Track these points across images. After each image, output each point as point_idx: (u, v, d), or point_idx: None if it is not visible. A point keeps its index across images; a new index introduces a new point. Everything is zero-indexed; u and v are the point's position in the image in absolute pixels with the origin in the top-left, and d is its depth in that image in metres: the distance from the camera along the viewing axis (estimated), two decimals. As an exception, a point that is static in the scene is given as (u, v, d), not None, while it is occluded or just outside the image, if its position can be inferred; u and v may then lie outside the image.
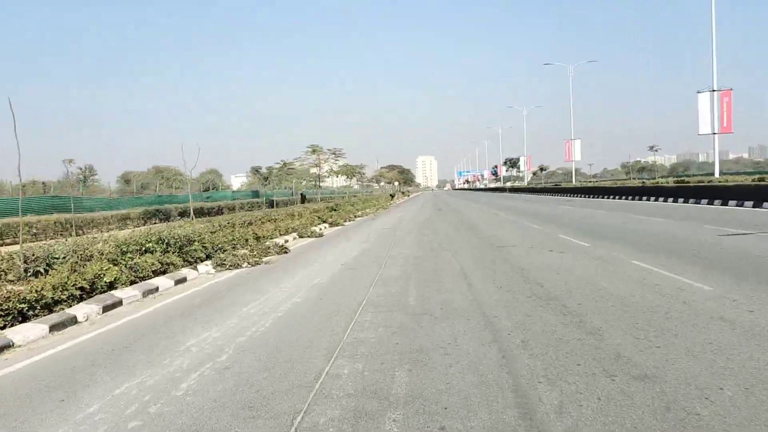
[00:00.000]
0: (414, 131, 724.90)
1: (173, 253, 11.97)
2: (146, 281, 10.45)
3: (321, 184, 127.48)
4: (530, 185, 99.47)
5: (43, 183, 67.38)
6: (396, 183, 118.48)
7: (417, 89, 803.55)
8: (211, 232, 15.52)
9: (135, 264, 10.42)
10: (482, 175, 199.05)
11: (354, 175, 53.86)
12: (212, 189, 74.04)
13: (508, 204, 44.07)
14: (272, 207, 59.75)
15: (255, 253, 14.20)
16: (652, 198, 37.37)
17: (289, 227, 21.75)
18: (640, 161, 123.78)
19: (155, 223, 34.04)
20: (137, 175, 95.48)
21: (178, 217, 38.38)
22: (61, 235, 23.55)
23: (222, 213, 45.35)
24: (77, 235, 21.64)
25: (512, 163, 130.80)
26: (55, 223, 25.29)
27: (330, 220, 28.43)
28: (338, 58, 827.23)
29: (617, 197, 43.15)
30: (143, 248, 11.63)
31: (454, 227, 22.70)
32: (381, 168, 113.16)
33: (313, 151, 37.29)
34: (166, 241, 12.19)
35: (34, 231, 23.60)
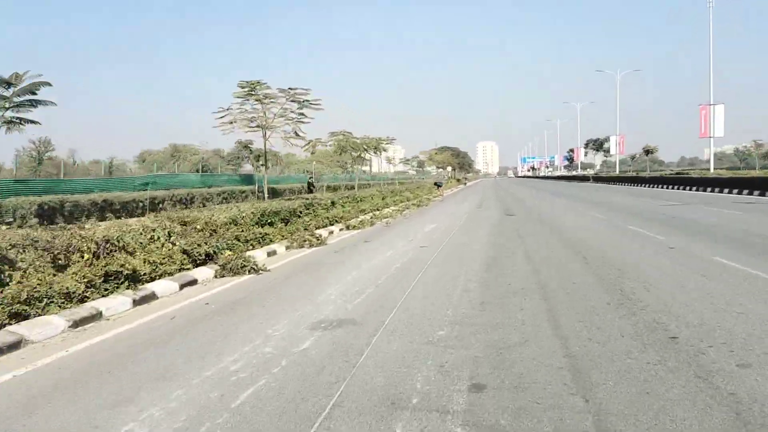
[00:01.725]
0: (475, 115, 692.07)
1: None
2: None
3: (364, 168, 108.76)
4: (623, 173, 77.61)
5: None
6: (449, 168, 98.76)
7: (480, 61, 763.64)
8: None
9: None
10: (551, 161, 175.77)
11: (357, 151, 35.25)
12: (207, 171, 57.90)
13: (625, 202, 25.12)
14: (274, 197, 42.51)
15: None
16: None
17: None
18: (762, 144, 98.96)
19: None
20: (153, 154, 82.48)
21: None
22: None
23: (138, 213, 28.64)
24: None
25: (597, 146, 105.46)
26: None
27: (224, 257, 10.62)
28: (399, 37, 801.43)
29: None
30: None
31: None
32: (431, 150, 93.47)
33: (249, 93, 19.49)
34: None
35: None
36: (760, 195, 27.95)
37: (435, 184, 48.94)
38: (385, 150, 38.39)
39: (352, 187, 69.40)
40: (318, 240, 14.54)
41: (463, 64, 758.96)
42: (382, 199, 29.68)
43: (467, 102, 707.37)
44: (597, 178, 73.98)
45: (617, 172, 79.19)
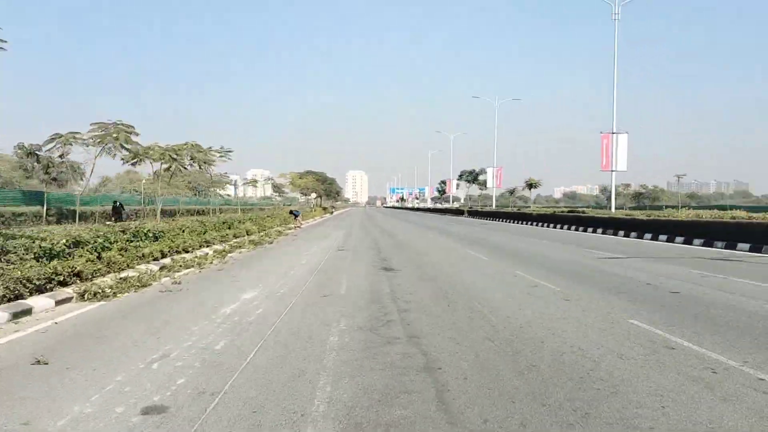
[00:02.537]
0: (345, 142, 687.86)
1: None
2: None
3: (225, 193, 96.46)
4: (501, 207, 72.61)
5: None
6: (314, 195, 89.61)
7: (353, 85, 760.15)
8: None
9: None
10: (421, 193, 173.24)
11: (163, 160, 25.32)
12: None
13: (546, 251, 18.05)
14: (79, 222, 31.28)
15: None
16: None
17: None
18: (630, 186, 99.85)
19: None
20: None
21: None
22: None
23: None
24: None
25: (472, 178, 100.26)
26: None
27: None
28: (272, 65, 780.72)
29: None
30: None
31: None
32: (291, 172, 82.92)
33: None
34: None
35: None
36: (685, 243, 22.25)
37: (291, 212, 39.92)
38: (211, 163, 28.86)
39: (201, 212, 58.22)
40: None
41: (336, 92, 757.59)
42: (203, 233, 20.21)
43: (339, 129, 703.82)
44: (473, 212, 68.38)
45: (494, 206, 74.46)
